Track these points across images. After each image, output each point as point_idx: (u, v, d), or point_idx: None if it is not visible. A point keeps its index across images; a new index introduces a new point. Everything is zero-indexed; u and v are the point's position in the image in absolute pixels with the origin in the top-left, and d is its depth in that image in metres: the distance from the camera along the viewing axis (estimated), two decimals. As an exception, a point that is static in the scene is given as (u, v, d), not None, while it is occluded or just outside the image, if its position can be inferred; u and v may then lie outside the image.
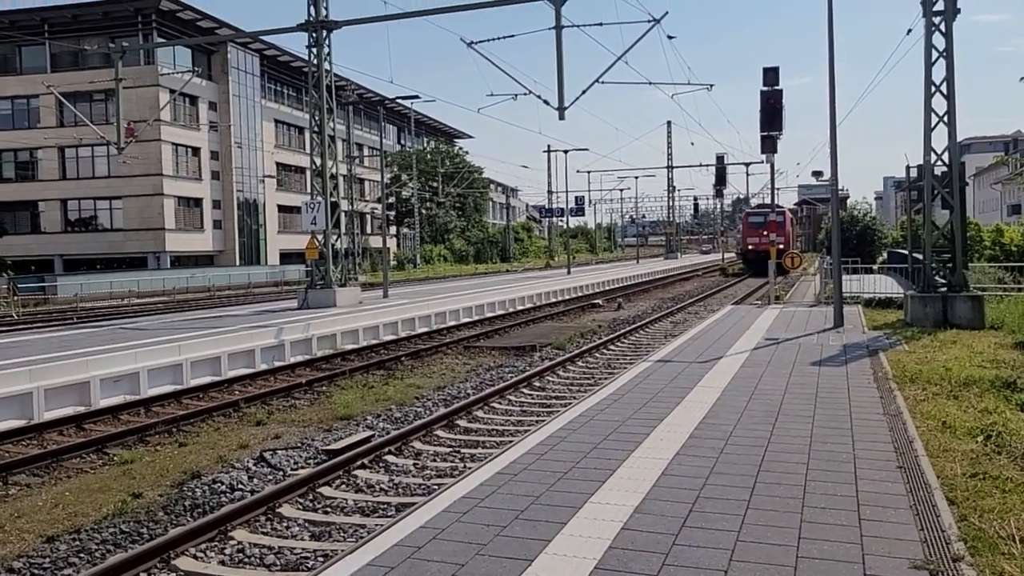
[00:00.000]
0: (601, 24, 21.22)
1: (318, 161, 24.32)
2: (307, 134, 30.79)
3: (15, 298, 33.40)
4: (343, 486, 8.36)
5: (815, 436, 7.53)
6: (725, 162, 58.52)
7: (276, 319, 19.95)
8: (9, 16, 50.55)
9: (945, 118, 17.11)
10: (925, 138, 17.29)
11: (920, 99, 17.24)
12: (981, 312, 16.81)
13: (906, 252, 26.32)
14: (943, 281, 17.42)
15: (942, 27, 16.98)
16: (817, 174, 56.51)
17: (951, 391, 9.70)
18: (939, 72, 17.08)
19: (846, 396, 9.41)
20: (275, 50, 58.98)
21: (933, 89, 17.14)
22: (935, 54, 17.07)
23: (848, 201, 68.76)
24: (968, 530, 5.13)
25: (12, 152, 53.23)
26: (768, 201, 55.08)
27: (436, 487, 7.81)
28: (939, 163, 17.51)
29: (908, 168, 19.43)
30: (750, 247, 49.00)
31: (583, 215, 75.01)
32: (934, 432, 7.67)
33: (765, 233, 44.27)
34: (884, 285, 24.78)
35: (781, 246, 40.61)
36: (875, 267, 34.67)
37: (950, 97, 17.02)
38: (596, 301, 31.65)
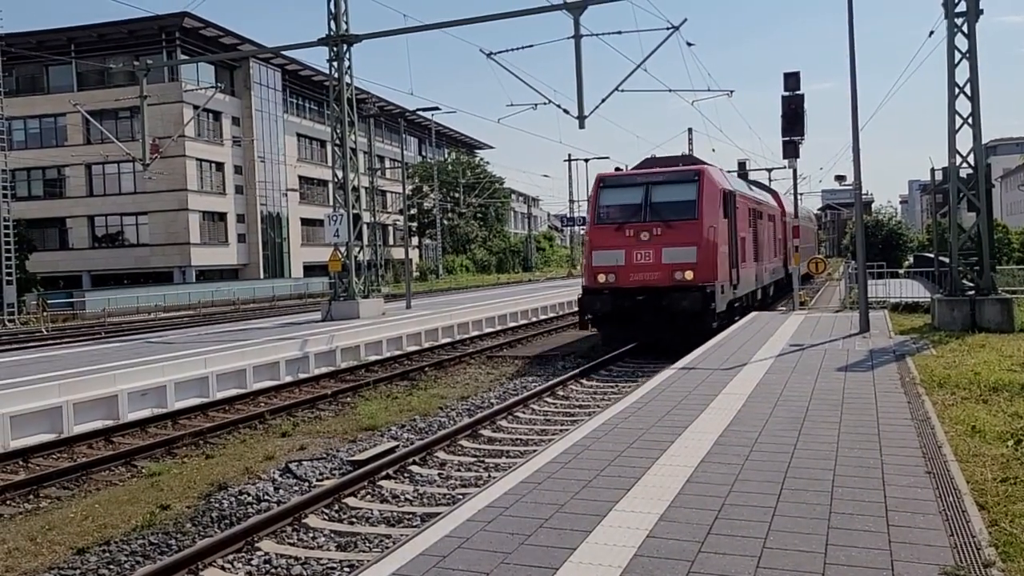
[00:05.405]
0: (620, 32, 21.40)
1: (340, 174, 24.49)
2: (329, 147, 31.03)
3: (44, 314, 33.92)
4: (368, 496, 8.40)
5: (842, 442, 7.44)
6: (747, 168, 57.79)
7: (300, 331, 20.08)
8: (36, 36, 51.44)
9: (970, 120, 16.93)
10: (950, 140, 17.11)
11: (944, 101, 17.07)
12: (1010, 315, 16.56)
13: (932, 256, 26.03)
14: (971, 284, 17.19)
15: (964, 28, 16.82)
16: (840, 178, 56.19)
17: (980, 395, 9.57)
18: (962, 74, 16.91)
19: (873, 402, 9.30)
20: (296, 65, 59.58)
21: (957, 91, 16.96)
22: (958, 56, 16.90)
23: (873, 205, 68.27)
24: (999, 535, 5.05)
25: (40, 170, 54.14)
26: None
27: (461, 496, 7.80)
28: (964, 165, 17.32)
29: (933, 171, 19.23)
30: (599, 277, 18.06)
31: (605, 223, 74.49)
32: (963, 437, 7.56)
33: (641, 238, 17.59)
34: (910, 289, 24.51)
35: (689, 274, 17.10)
36: (901, 271, 34.35)
37: (974, 99, 16.83)
38: (619, 309, 31.49)
